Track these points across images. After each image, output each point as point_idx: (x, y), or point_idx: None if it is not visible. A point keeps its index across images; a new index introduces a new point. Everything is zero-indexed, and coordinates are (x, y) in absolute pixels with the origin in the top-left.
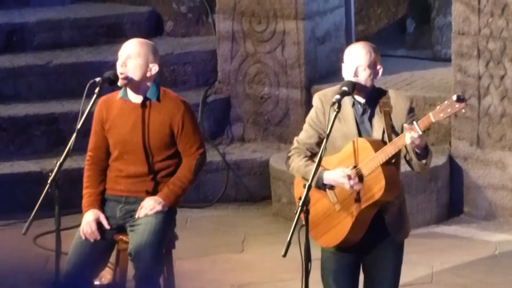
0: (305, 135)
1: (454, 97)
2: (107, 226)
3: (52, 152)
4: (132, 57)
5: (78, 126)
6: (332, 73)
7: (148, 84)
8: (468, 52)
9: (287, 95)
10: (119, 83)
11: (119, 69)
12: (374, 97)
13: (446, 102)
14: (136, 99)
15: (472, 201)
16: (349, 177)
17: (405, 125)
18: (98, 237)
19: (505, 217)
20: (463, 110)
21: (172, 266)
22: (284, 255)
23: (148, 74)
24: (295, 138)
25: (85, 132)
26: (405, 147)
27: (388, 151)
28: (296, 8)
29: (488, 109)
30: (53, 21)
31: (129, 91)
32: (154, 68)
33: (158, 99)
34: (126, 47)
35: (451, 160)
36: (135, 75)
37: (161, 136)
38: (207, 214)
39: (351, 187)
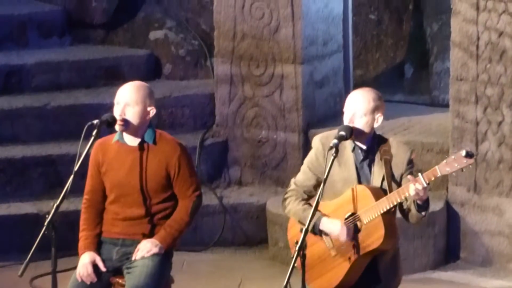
0: (303, 177)
1: (463, 153)
2: (103, 269)
3: (49, 194)
4: (130, 105)
5: (76, 168)
6: (330, 117)
7: (145, 127)
8: (466, 97)
9: (285, 139)
10: (117, 128)
11: (118, 117)
12: (374, 144)
13: (453, 156)
14: (133, 142)
15: (469, 247)
16: (348, 232)
17: (409, 177)
18: (95, 280)
19: (502, 263)
20: (470, 166)
21: None
22: None
23: (147, 118)
24: (292, 179)
25: (82, 174)
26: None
27: (392, 200)
28: (294, 52)
29: (485, 155)
30: (51, 62)
31: (125, 135)
32: (152, 112)
33: (155, 142)
34: (123, 95)
35: (448, 205)
36: (135, 121)
37: (158, 179)
38: (203, 257)
39: (347, 241)
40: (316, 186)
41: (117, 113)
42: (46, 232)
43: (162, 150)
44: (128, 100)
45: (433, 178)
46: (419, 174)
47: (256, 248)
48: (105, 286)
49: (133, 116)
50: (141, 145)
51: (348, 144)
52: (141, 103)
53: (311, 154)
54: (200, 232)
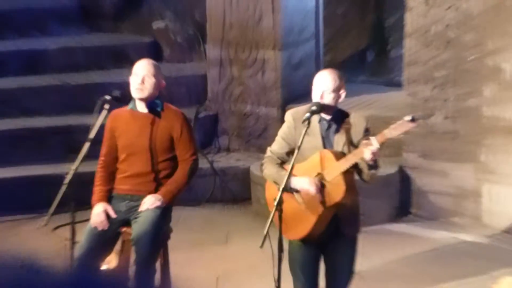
0: (277, 146)
1: (408, 118)
2: (113, 215)
3: (67, 158)
4: (148, 76)
5: (91, 136)
6: (304, 95)
7: (155, 97)
8: (418, 79)
9: (266, 113)
10: (135, 94)
11: (139, 86)
12: (337, 116)
13: (399, 121)
14: (144, 109)
15: (419, 204)
16: (315, 185)
17: (363, 141)
18: (106, 226)
19: (446, 217)
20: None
21: (167, 254)
22: (261, 246)
23: (159, 89)
24: (268, 148)
25: (95, 141)
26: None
27: (350, 160)
28: (274, 40)
29: (433, 127)
30: (69, 48)
31: (137, 103)
32: (162, 84)
33: (162, 109)
34: (141, 68)
35: (401, 169)
36: (151, 90)
37: (163, 140)
38: (197, 212)
39: (316, 192)
40: (289, 153)
41: (136, 82)
42: (66, 189)
43: (168, 117)
44: (146, 72)
45: (383, 140)
46: (371, 137)
47: (241, 204)
48: (115, 235)
49: (150, 85)
50: (150, 112)
51: (315, 117)
52: (156, 76)
53: (284, 127)
54: (194, 191)
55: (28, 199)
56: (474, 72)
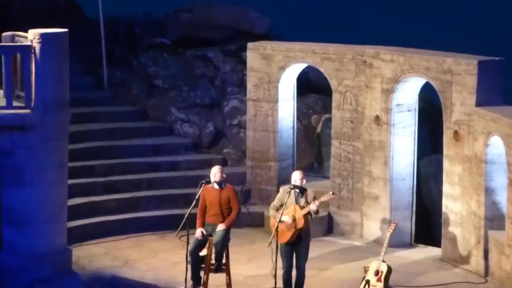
0: (275, 202)
1: (331, 192)
2: (204, 232)
3: (185, 206)
4: (219, 175)
5: (195, 199)
6: (287, 182)
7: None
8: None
9: (270, 189)
10: (214, 182)
11: (217, 179)
12: (302, 190)
13: (326, 194)
14: (217, 187)
15: (336, 228)
16: (292, 219)
17: (312, 202)
18: (201, 237)
19: (348, 234)
20: (332, 197)
21: (228, 250)
22: (269, 246)
23: (222, 178)
24: (272, 203)
25: (197, 202)
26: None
27: (306, 210)
28: (274, 157)
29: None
30: None
31: (214, 184)
32: (224, 176)
33: (224, 186)
34: (216, 173)
35: (329, 214)
36: (219, 179)
37: (224, 201)
38: (241, 231)
39: (291, 222)
40: (280, 206)
41: (216, 178)
42: (184, 223)
43: (227, 189)
44: (219, 175)
45: (319, 202)
46: (315, 201)
47: (260, 228)
48: (205, 241)
49: (220, 179)
50: (219, 188)
51: (292, 190)
52: (222, 173)
53: (278, 194)
54: (238, 222)
55: (162, 223)
56: None
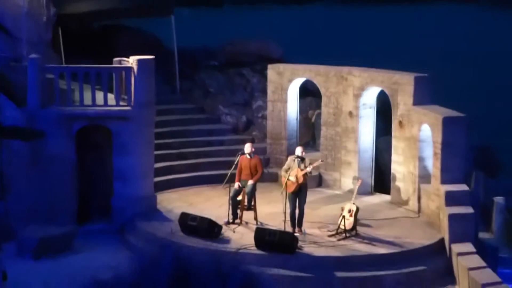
0: (285, 166)
1: (320, 159)
2: (240, 185)
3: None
4: (250, 149)
5: (234, 164)
6: (291, 153)
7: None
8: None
9: (282, 158)
10: (247, 153)
11: (248, 151)
12: (302, 158)
13: (318, 160)
14: (248, 156)
15: (326, 183)
16: (296, 177)
17: (308, 167)
18: (238, 188)
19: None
20: (322, 163)
21: (255, 198)
22: (281, 193)
23: (252, 150)
24: (283, 167)
25: (235, 166)
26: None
27: (304, 170)
28: (284, 137)
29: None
30: None
31: (246, 155)
32: (253, 150)
33: (253, 156)
34: (248, 146)
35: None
36: (249, 151)
37: (253, 165)
38: (261, 185)
39: (295, 179)
40: (288, 169)
41: (247, 150)
42: (228, 179)
43: (254, 158)
44: (249, 148)
45: (313, 166)
46: (310, 165)
47: (276, 183)
48: (241, 190)
49: (250, 151)
50: (250, 157)
51: (296, 158)
52: (251, 148)
53: (287, 161)
54: (262, 179)
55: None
56: None
